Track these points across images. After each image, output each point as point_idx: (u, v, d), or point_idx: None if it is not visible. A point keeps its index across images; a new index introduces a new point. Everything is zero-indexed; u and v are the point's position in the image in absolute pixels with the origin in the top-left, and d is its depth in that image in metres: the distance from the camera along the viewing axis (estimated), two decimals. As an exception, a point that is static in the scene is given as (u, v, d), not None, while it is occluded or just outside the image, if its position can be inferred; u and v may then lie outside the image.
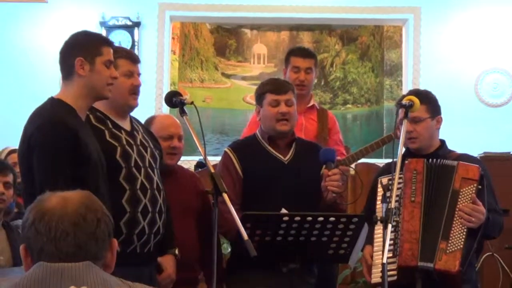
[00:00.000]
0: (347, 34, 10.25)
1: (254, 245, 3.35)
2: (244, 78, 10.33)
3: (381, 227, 3.52)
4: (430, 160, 3.85)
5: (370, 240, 3.87)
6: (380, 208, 3.75)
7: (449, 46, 8.66)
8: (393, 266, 3.72)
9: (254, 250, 3.33)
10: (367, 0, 8.79)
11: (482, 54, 8.61)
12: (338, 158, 4.70)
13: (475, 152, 5.66)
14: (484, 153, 6.80)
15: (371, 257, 3.85)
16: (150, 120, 4.29)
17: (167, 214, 3.72)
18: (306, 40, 10.20)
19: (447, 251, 3.69)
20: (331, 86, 10.27)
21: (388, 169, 3.76)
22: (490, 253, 6.05)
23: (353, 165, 4.85)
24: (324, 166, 4.02)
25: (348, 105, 10.24)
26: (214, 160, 4.60)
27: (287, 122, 4.11)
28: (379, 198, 3.83)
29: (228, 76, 10.33)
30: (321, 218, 3.73)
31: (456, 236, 3.71)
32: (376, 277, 3.78)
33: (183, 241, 3.96)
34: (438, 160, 3.84)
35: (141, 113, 3.97)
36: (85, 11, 8.55)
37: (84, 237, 1.99)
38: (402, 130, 3.68)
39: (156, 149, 3.77)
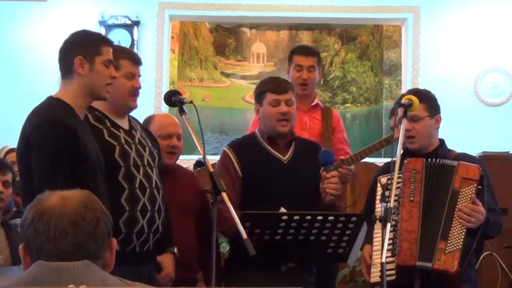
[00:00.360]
0: (347, 33, 10.24)
1: (253, 244, 3.35)
2: (243, 77, 10.31)
3: (380, 227, 3.52)
4: (429, 159, 3.85)
5: (369, 239, 3.87)
6: (379, 208, 3.75)
7: (448, 46, 8.66)
8: (392, 266, 3.72)
9: (253, 249, 3.33)
10: (366, -1, 8.80)
11: (481, 53, 8.60)
12: (342, 157, 4.71)
13: (474, 152, 5.66)
14: (483, 152, 6.80)
15: (370, 256, 3.85)
16: (149, 119, 4.29)
17: (166, 212, 3.72)
18: (305, 39, 10.18)
19: (446, 251, 3.69)
20: (330, 85, 10.27)
21: (387, 168, 3.76)
22: (489, 252, 6.04)
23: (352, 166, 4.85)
24: (322, 168, 4.02)
25: (347, 104, 10.23)
26: (213, 159, 4.60)
27: (287, 123, 4.11)
28: (378, 197, 3.83)
29: (228, 75, 10.32)
30: (320, 217, 3.73)
31: (455, 236, 3.71)
32: (375, 277, 3.78)
33: (182, 240, 3.96)
34: (438, 160, 3.84)
35: (140, 112, 3.97)
36: (84, 10, 8.54)
37: (83, 236, 1.99)
38: (401, 130, 3.69)
39: (155, 148, 3.77)
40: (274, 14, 8.88)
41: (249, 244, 3.32)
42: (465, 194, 3.75)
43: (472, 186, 3.75)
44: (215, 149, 8.80)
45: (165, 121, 4.30)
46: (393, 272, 3.72)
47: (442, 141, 4.06)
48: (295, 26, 10.14)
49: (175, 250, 3.87)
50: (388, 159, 3.69)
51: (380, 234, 3.63)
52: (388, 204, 3.45)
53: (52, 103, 3.37)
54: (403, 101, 3.75)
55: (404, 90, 8.96)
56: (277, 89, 4.13)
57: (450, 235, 3.71)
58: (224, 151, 4.17)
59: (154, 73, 8.55)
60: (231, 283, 4.07)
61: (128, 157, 3.58)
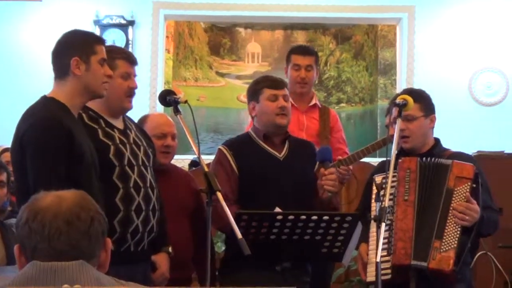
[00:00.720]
0: (341, 33, 10.25)
1: (248, 244, 3.35)
2: (238, 77, 10.31)
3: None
4: (424, 158, 3.85)
5: (365, 238, 3.87)
6: (375, 207, 3.75)
7: (443, 45, 8.67)
8: (387, 265, 3.72)
9: (248, 249, 3.33)
10: (361, -1, 8.80)
11: (476, 53, 8.61)
12: (339, 157, 4.73)
13: (469, 151, 5.65)
14: (478, 152, 6.81)
15: (367, 254, 3.85)
16: (144, 119, 4.29)
17: (161, 212, 3.72)
18: (300, 39, 10.19)
19: (441, 250, 3.69)
20: (325, 85, 10.27)
21: (382, 167, 3.76)
22: (484, 251, 6.05)
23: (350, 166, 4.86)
24: (320, 165, 4.04)
25: (342, 104, 10.24)
26: (208, 159, 4.59)
27: (285, 116, 4.13)
28: (373, 197, 3.83)
29: (222, 75, 10.31)
30: (315, 217, 3.74)
31: (450, 235, 3.71)
32: (371, 276, 3.78)
33: (177, 240, 3.96)
34: (432, 159, 3.85)
35: (135, 112, 3.96)
36: (79, 9, 8.52)
37: (78, 235, 1.99)
38: (396, 129, 3.69)
39: (150, 148, 3.76)
40: (269, 13, 8.88)
41: (244, 244, 3.32)
42: (460, 193, 3.75)
43: (466, 184, 3.76)
44: (210, 149, 8.79)
45: (159, 120, 4.30)
46: (389, 271, 3.73)
47: (437, 141, 4.06)
48: (290, 26, 10.15)
49: (170, 249, 3.87)
50: (384, 158, 3.70)
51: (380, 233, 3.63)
52: (383, 203, 3.45)
53: (46, 102, 3.36)
54: (398, 100, 3.75)
55: (399, 89, 8.96)
56: (274, 85, 4.16)
57: (445, 234, 3.72)
58: (220, 149, 4.16)
59: (149, 72, 8.55)
60: (226, 282, 4.07)
61: (123, 157, 3.57)
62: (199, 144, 3.54)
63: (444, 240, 3.71)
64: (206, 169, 3.51)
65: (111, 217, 3.21)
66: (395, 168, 3.72)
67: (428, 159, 3.85)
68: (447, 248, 3.69)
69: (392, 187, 3.75)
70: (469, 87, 8.64)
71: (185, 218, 4.22)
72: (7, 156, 4.93)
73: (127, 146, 3.62)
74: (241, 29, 10.31)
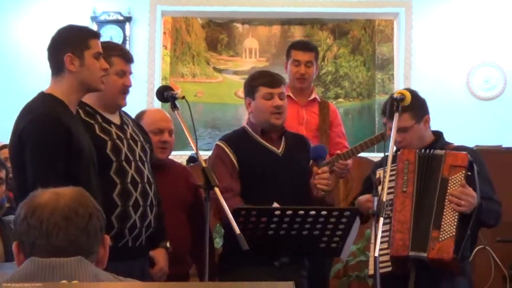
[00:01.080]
0: (339, 28, 10.23)
1: (246, 239, 3.35)
2: (235, 73, 10.30)
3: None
4: (423, 150, 3.86)
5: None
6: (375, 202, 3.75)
7: (441, 40, 8.66)
8: (387, 258, 3.73)
9: (246, 244, 3.33)
10: (358, -6, 8.80)
11: (473, 47, 8.61)
12: (338, 152, 4.73)
13: (467, 145, 5.65)
14: (476, 146, 6.79)
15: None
16: (141, 115, 4.28)
17: (158, 207, 3.72)
18: (297, 34, 10.17)
19: (440, 239, 3.69)
20: (322, 80, 10.26)
21: (384, 162, 3.76)
22: (482, 246, 6.05)
23: (349, 161, 4.86)
24: (313, 163, 4.03)
25: (340, 99, 10.23)
26: (205, 154, 4.59)
27: (280, 116, 4.12)
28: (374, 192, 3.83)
29: (220, 71, 10.30)
30: (313, 212, 3.74)
31: (447, 224, 3.71)
32: (372, 269, 3.78)
33: (175, 235, 3.96)
34: (429, 150, 3.85)
35: (132, 108, 3.96)
36: (76, 5, 8.52)
37: (76, 231, 1.99)
38: (393, 124, 3.68)
39: (147, 143, 3.76)
40: (266, 9, 8.88)
41: (242, 239, 3.33)
42: (455, 181, 3.75)
43: (461, 172, 3.76)
44: (208, 145, 8.79)
45: (156, 116, 4.30)
46: (389, 264, 3.73)
47: (440, 134, 4.06)
48: (287, 21, 10.13)
49: (168, 244, 3.87)
50: (382, 154, 3.70)
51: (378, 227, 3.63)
52: (381, 197, 3.45)
53: (45, 98, 3.36)
54: (395, 95, 3.75)
55: (396, 84, 8.98)
56: (270, 83, 4.13)
57: (443, 223, 3.72)
58: (218, 145, 4.15)
59: (146, 69, 8.55)
60: (225, 278, 4.07)
61: (120, 152, 3.57)
62: (197, 139, 3.54)
63: (442, 229, 3.71)
64: (204, 164, 3.51)
65: (108, 212, 3.23)
66: (394, 161, 3.72)
67: (427, 150, 3.85)
68: (445, 237, 3.69)
69: (391, 180, 3.75)
70: (466, 82, 8.65)
71: (183, 213, 4.22)
72: (5, 153, 4.92)
73: (124, 141, 3.62)
74: (238, 25, 10.30)
